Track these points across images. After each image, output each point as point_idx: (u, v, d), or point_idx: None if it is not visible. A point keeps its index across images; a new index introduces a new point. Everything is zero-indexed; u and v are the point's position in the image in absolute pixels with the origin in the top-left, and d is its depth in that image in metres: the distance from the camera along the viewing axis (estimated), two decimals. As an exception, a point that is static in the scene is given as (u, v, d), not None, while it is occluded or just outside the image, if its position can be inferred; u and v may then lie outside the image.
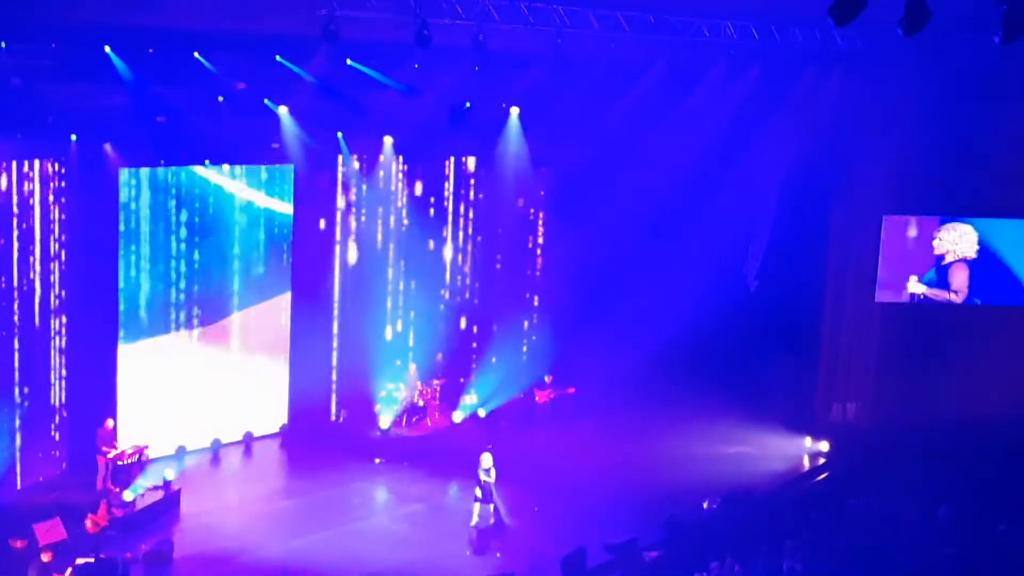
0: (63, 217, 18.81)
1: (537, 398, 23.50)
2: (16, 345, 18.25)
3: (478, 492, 18.01)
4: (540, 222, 24.74)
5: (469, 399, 23.13)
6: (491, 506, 18.04)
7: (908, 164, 21.91)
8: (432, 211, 23.46)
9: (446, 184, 23.67)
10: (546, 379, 23.70)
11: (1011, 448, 20.10)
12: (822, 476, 21.33)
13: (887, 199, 22.38)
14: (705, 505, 18.52)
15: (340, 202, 22.34)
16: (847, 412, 23.68)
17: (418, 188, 23.23)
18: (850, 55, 21.23)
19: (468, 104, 21.90)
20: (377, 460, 21.05)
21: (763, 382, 23.63)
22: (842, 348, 23.64)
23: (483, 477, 17.99)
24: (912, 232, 22.23)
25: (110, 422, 18.82)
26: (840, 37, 20.86)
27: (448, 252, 23.89)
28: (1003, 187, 21.67)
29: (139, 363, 19.91)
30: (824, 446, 22.39)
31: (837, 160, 22.42)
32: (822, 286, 23.50)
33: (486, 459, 18.09)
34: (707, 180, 22.68)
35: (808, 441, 22.55)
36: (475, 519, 18.01)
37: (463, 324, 24.27)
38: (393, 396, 22.35)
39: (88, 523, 16.83)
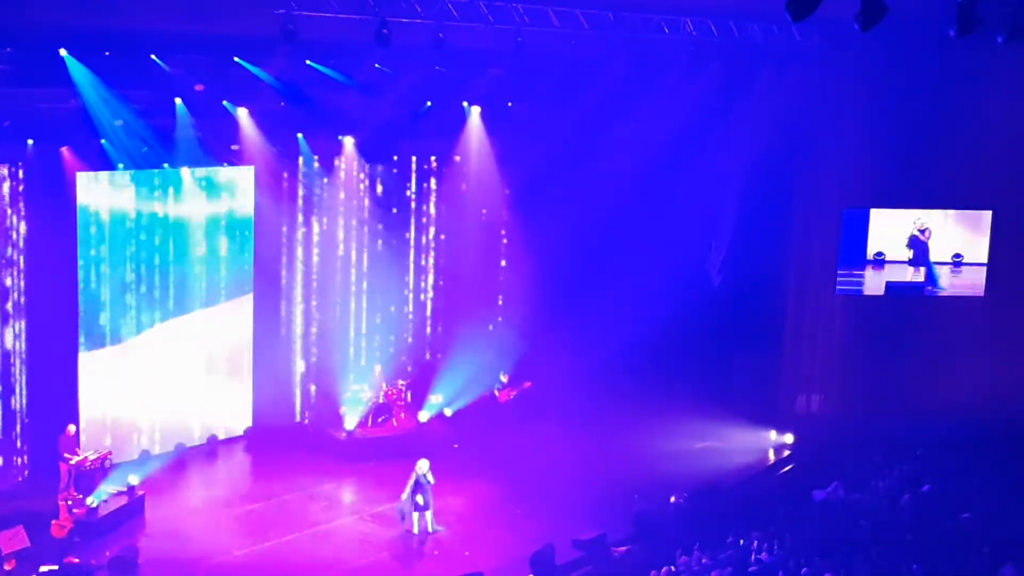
0: (22, 222, 18.60)
1: (498, 397, 23.50)
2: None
3: (420, 500, 17.95)
4: (504, 220, 24.70)
5: (435, 399, 23.07)
6: (428, 513, 18.03)
7: (867, 158, 22.14)
8: (395, 211, 23.39)
9: (408, 184, 23.62)
10: (503, 378, 23.64)
11: (973, 437, 20.34)
12: (787, 468, 21.48)
13: (847, 192, 22.60)
14: (672, 499, 18.61)
15: (301, 203, 22.21)
16: (811, 404, 23.88)
17: (380, 188, 23.15)
18: (808, 51, 21.40)
19: (429, 103, 21.87)
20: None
21: (728, 376, 23.80)
22: (805, 341, 23.86)
23: (426, 481, 17.90)
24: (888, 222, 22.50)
25: (72, 428, 18.60)
26: (798, 33, 21.03)
27: (411, 252, 23.83)
28: (963, 178, 21.94)
29: (101, 367, 19.73)
30: (789, 438, 22.56)
31: (797, 155, 22.63)
32: (785, 279, 23.70)
33: (423, 464, 18.01)
34: (669, 176, 22.79)
35: (773, 434, 22.71)
36: (417, 527, 18.02)
37: (428, 324, 24.24)
38: (358, 397, 22.26)
39: (54, 528, 16.69)
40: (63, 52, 17.03)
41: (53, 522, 16.77)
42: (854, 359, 23.48)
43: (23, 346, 18.86)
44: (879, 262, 22.59)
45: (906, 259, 22.59)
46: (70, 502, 17.40)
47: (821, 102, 21.94)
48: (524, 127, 23.01)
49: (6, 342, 18.62)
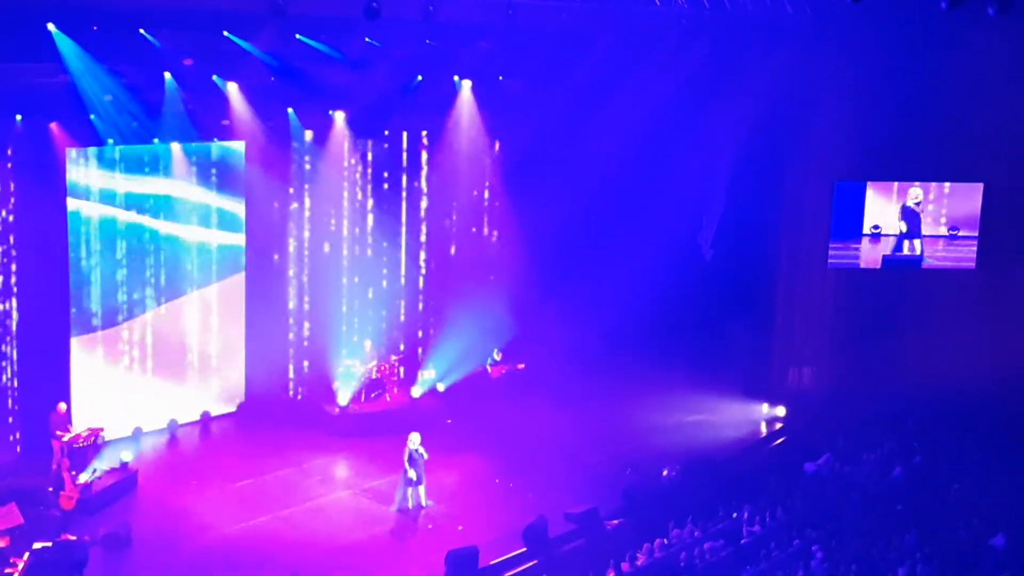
0: (11, 199, 18.50)
1: (491, 372, 23.51)
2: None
3: (412, 475, 17.95)
4: (495, 194, 24.62)
5: (427, 374, 23.09)
6: (421, 487, 18.04)
7: (858, 131, 22.09)
8: (386, 186, 23.32)
9: (400, 159, 23.52)
10: (496, 356, 23.63)
11: (963, 410, 20.43)
12: (779, 441, 21.56)
13: (839, 165, 22.59)
14: (665, 473, 18.68)
15: (293, 178, 22.14)
16: (803, 377, 23.91)
17: (371, 163, 23.07)
18: (800, 23, 21.30)
19: (420, 77, 21.76)
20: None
21: (720, 349, 23.81)
22: (797, 314, 23.86)
23: (419, 455, 17.88)
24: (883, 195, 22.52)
25: (62, 406, 18.52)
26: (790, 5, 20.93)
27: (403, 227, 23.76)
28: (954, 151, 21.94)
29: (93, 345, 19.70)
30: (781, 411, 22.62)
31: (788, 128, 22.56)
32: (777, 253, 23.67)
33: (415, 438, 17.96)
34: (661, 149, 22.75)
35: (765, 407, 22.77)
36: (411, 502, 18.03)
37: (420, 299, 24.20)
38: (351, 372, 22.26)
39: (62, 500, 16.75)
40: (51, 27, 16.89)
41: (61, 494, 16.89)
42: (846, 332, 23.51)
43: (14, 324, 18.81)
44: (875, 235, 22.62)
45: (901, 232, 22.61)
46: (74, 472, 17.43)
47: (813, 75, 21.85)
48: (515, 101, 22.91)
49: (-3, 319, 18.61)
